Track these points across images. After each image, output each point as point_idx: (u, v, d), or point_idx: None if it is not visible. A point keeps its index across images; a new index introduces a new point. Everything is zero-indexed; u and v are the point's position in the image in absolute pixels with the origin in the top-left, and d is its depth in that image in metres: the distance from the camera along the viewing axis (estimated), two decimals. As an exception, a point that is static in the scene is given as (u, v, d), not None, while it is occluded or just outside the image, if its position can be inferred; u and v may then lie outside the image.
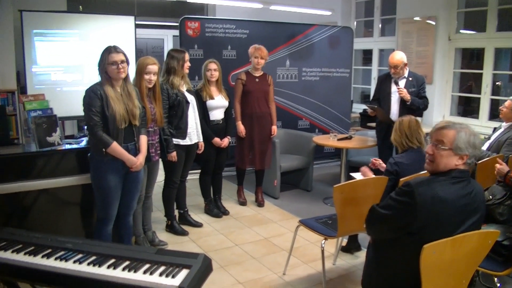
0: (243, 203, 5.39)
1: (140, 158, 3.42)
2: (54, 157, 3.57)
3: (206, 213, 5.05)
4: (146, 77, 3.71)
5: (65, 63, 5.40)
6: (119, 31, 5.72)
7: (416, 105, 4.71)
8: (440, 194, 2.11)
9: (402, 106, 4.76)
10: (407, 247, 2.15)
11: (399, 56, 4.74)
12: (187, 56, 4.26)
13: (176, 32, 6.19)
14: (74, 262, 2.14)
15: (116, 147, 3.23)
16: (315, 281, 3.60)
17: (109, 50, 3.22)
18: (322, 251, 3.24)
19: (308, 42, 6.73)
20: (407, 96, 4.65)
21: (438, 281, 2.17)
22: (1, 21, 5.51)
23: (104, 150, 3.22)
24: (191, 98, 4.31)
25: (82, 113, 3.29)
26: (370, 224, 2.39)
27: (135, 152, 3.41)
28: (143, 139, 3.49)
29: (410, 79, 4.80)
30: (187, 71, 4.28)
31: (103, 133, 3.20)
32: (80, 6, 7.32)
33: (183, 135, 4.24)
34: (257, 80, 5.07)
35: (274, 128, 5.25)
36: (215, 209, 5.04)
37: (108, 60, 3.19)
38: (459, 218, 2.15)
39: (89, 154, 3.39)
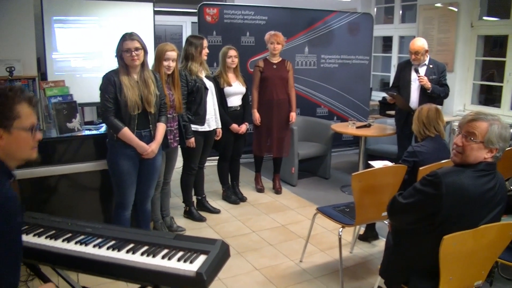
0: (260, 190, 5.40)
1: (153, 146, 3.40)
2: (74, 143, 3.61)
3: (224, 199, 5.08)
4: (165, 63, 3.72)
5: (85, 50, 5.42)
6: (138, 18, 5.72)
7: (436, 93, 4.63)
8: (467, 186, 2.08)
9: (422, 94, 4.69)
10: (428, 237, 2.14)
11: (420, 42, 4.66)
12: (205, 43, 4.25)
13: (195, 19, 6.18)
14: (94, 246, 2.17)
15: (126, 132, 3.25)
16: (332, 269, 3.61)
17: (124, 38, 3.24)
18: (339, 239, 3.23)
19: (328, 28, 6.66)
20: (428, 84, 4.58)
21: (457, 271, 2.16)
22: (21, 8, 5.55)
23: (115, 135, 3.26)
24: (209, 84, 4.32)
25: (100, 99, 3.33)
26: (392, 214, 2.37)
27: (149, 139, 3.41)
28: (161, 127, 3.48)
29: (431, 66, 4.72)
30: (205, 57, 4.28)
31: (115, 118, 3.23)
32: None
33: (202, 121, 4.25)
34: (274, 66, 5.04)
35: (293, 114, 5.21)
36: (232, 195, 5.06)
37: (122, 47, 3.21)
38: (483, 211, 2.13)
39: (107, 140, 3.43)
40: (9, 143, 1.60)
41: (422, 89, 4.67)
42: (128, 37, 3.24)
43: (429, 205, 2.11)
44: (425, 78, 4.61)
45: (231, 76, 4.70)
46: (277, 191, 5.36)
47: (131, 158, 3.35)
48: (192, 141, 4.14)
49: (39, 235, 2.25)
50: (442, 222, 2.09)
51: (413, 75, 4.74)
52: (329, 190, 5.52)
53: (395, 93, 4.81)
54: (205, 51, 4.25)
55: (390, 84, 5.79)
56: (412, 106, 4.72)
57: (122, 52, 3.22)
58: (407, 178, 3.20)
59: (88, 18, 5.60)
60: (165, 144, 3.69)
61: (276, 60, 5.07)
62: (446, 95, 4.76)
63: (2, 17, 5.29)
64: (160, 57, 3.72)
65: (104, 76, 3.27)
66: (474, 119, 2.15)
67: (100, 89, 3.26)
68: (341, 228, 3.25)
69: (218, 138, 4.56)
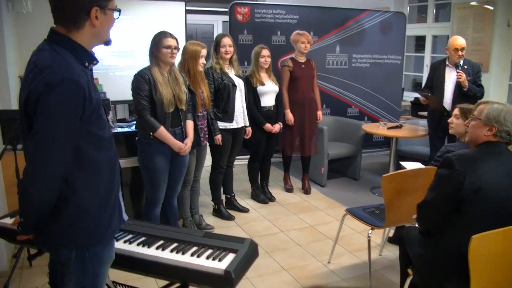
0: (289, 189, 5.39)
1: (188, 143, 3.50)
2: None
3: (253, 198, 5.08)
4: (200, 61, 3.78)
5: (118, 48, 5.50)
6: (170, 17, 5.77)
7: (473, 91, 4.53)
8: (476, 157, 2.22)
9: (456, 94, 4.59)
10: (457, 231, 2.13)
11: (463, 41, 4.59)
12: (225, 40, 4.23)
13: (226, 18, 6.20)
14: (125, 242, 2.20)
15: (163, 132, 3.31)
16: (360, 271, 3.57)
17: (165, 34, 3.32)
18: (369, 241, 3.20)
19: (359, 27, 6.59)
20: (466, 82, 4.49)
21: (487, 272, 2.12)
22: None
23: (151, 134, 3.29)
24: (238, 82, 4.33)
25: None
26: (421, 220, 2.42)
27: (182, 136, 3.49)
28: (190, 124, 3.57)
29: (465, 67, 4.62)
30: (227, 56, 4.25)
31: (151, 117, 3.27)
32: (133, -8, 7.44)
33: (230, 119, 4.27)
34: (303, 66, 5.04)
35: (320, 113, 5.24)
36: (261, 195, 5.06)
37: (163, 43, 3.26)
38: (505, 192, 2.17)
39: (136, 138, 3.47)
40: (102, 24, 1.64)
41: (457, 89, 4.58)
42: (169, 35, 3.32)
43: (450, 185, 2.18)
44: (464, 75, 4.51)
45: (263, 75, 4.70)
46: (306, 191, 5.34)
47: (165, 155, 3.42)
48: (219, 137, 4.16)
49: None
50: (466, 196, 2.14)
51: (447, 75, 4.65)
52: (358, 191, 5.46)
53: (429, 94, 4.72)
54: (225, 49, 4.23)
55: (423, 85, 5.69)
56: (446, 106, 4.63)
57: (161, 47, 3.27)
58: None
59: (121, 17, 5.68)
60: (196, 142, 3.73)
61: (303, 59, 5.06)
62: (481, 95, 4.63)
63: (37, 17, 5.41)
64: (196, 56, 3.74)
65: (137, 74, 3.31)
66: (479, 103, 2.39)
67: (134, 87, 3.29)
68: (371, 230, 3.21)
69: (248, 137, 4.57)
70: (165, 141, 3.35)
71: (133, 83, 3.31)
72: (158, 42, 3.28)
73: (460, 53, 4.58)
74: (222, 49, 4.22)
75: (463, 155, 2.22)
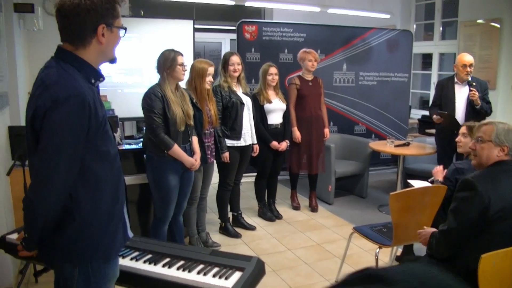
0: (296, 207, 5.37)
1: (198, 158, 3.55)
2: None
3: (260, 216, 5.06)
4: (207, 79, 3.80)
5: (126, 66, 5.56)
6: (179, 35, 5.83)
7: (484, 109, 4.54)
8: (497, 182, 2.19)
9: (468, 111, 4.58)
10: (477, 252, 2.10)
11: (472, 58, 4.60)
12: (234, 59, 4.27)
13: (234, 36, 6.25)
14: (131, 259, 2.20)
15: (177, 149, 3.34)
16: (369, 289, 3.52)
17: (177, 52, 3.37)
18: (376, 260, 3.17)
19: (366, 45, 6.62)
20: (479, 100, 4.49)
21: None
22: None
23: (165, 152, 3.31)
24: (246, 100, 4.35)
25: (141, 114, 3.39)
26: (444, 241, 2.31)
27: (191, 152, 3.53)
28: (195, 140, 3.63)
29: (474, 84, 4.61)
30: (235, 74, 4.29)
31: (165, 135, 3.29)
32: (142, 11, 7.54)
33: (238, 136, 4.29)
34: (310, 84, 5.07)
35: (327, 131, 5.25)
36: (268, 212, 5.04)
37: (178, 61, 3.32)
38: None
39: (145, 155, 3.48)
40: (108, 41, 1.67)
41: (468, 106, 4.57)
42: (179, 52, 3.38)
43: (475, 208, 2.15)
44: (477, 92, 4.51)
45: (271, 93, 4.72)
46: (313, 208, 5.31)
47: (177, 172, 3.46)
48: (226, 155, 4.16)
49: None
50: (492, 217, 2.13)
51: (457, 92, 4.65)
52: (366, 209, 5.43)
53: (445, 113, 4.65)
54: (234, 67, 4.27)
55: (430, 102, 5.68)
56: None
57: (176, 65, 3.32)
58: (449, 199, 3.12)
59: (130, 35, 5.74)
60: (203, 159, 3.75)
61: (310, 77, 5.09)
62: (491, 112, 4.66)
63: (49, 35, 5.49)
64: (203, 74, 3.78)
65: (149, 92, 3.32)
66: (481, 125, 2.41)
67: (146, 105, 3.30)
68: (378, 249, 3.18)
69: (255, 155, 4.57)
70: (179, 158, 3.39)
71: (145, 100, 3.32)
72: (174, 60, 3.33)
73: (468, 69, 4.58)
74: (231, 67, 4.25)
75: (480, 176, 2.23)
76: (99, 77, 1.73)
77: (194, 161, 3.50)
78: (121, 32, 1.72)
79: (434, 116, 4.80)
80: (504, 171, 2.26)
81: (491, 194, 2.13)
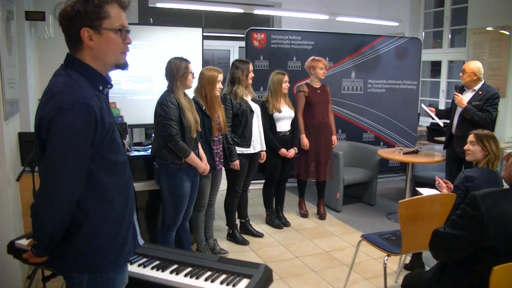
0: (304, 215, 5.36)
1: (206, 163, 3.64)
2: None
3: (267, 223, 5.06)
4: (218, 86, 3.83)
5: (136, 73, 5.59)
6: (187, 43, 5.87)
7: (469, 114, 4.46)
8: (507, 206, 2.02)
9: (461, 117, 4.60)
10: (479, 266, 2.06)
11: (473, 65, 4.58)
12: (251, 67, 4.32)
13: (242, 44, 6.28)
14: (139, 265, 2.20)
15: (193, 156, 3.41)
16: (377, 298, 3.51)
17: (188, 60, 3.42)
18: (385, 268, 3.14)
19: (375, 53, 6.62)
20: (460, 103, 4.51)
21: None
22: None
23: (183, 159, 3.36)
24: (255, 107, 4.36)
25: (150, 121, 3.41)
26: (434, 247, 2.30)
27: (198, 158, 3.57)
28: (200, 147, 3.68)
29: (480, 92, 4.56)
30: (250, 81, 4.34)
31: (183, 142, 3.33)
32: (151, 19, 7.59)
33: (248, 144, 4.29)
34: (318, 91, 5.08)
35: (335, 138, 5.26)
36: (276, 220, 5.03)
37: (189, 69, 3.36)
38: None
39: (155, 163, 3.49)
40: (99, 44, 1.61)
41: (462, 113, 4.58)
42: (188, 60, 3.43)
43: (472, 229, 2.04)
44: (460, 96, 4.54)
45: (280, 100, 4.73)
46: (321, 216, 5.30)
47: (191, 179, 3.52)
48: (236, 163, 4.17)
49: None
50: (491, 248, 2.00)
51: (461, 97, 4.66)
52: (374, 217, 5.40)
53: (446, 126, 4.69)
54: (251, 75, 4.31)
55: (439, 106, 5.69)
56: (453, 128, 4.70)
57: (188, 73, 3.38)
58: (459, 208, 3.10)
59: (139, 43, 5.79)
60: (211, 166, 3.76)
61: (318, 84, 5.10)
62: (482, 120, 4.44)
63: (60, 43, 5.54)
64: (213, 81, 3.79)
65: (164, 99, 3.34)
66: None
67: (163, 113, 3.31)
68: (387, 257, 3.16)
69: (262, 161, 4.57)
70: (195, 164, 3.45)
71: (161, 108, 3.33)
72: (186, 68, 3.38)
73: (461, 73, 4.68)
74: (250, 75, 4.29)
75: (494, 206, 2.03)
76: (107, 84, 1.70)
77: (206, 166, 3.59)
78: (117, 34, 1.64)
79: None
80: None
81: (494, 216, 2.00)
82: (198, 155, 3.57)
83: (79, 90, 1.57)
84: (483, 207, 2.01)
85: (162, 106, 3.32)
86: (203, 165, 3.55)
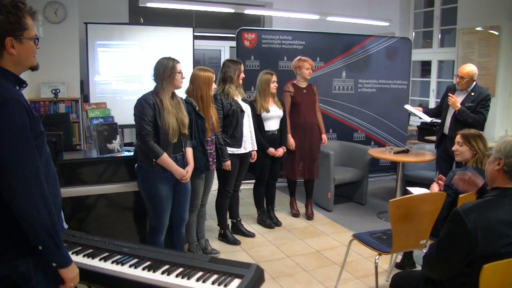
0: (295, 214, 5.36)
1: (190, 170, 3.47)
2: (113, 163, 3.67)
3: (259, 223, 5.06)
4: (213, 86, 3.83)
5: (126, 73, 5.59)
6: (178, 42, 5.86)
7: (463, 116, 4.52)
8: (492, 216, 2.02)
9: (454, 118, 4.64)
10: (468, 266, 2.06)
11: (469, 68, 4.61)
12: (242, 67, 4.32)
13: (233, 43, 6.28)
14: (130, 266, 2.19)
15: (165, 158, 3.26)
16: (368, 297, 3.52)
17: (176, 60, 3.34)
18: (376, 267, 3.16)
19: (365, 53, 6.65)
20: (455, 105, 4.55)
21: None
22: (68, 33, 5.79)
23: (154, 160, 3.27)
24: (246, 107, 4.36)
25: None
26: (434, 273, 2.25)
27: (183, 163, 3.46)
28: (189, 151, 3.54)
29: (472, 94, 4.61)
30: (241, 81, 4.34)
31: (154, 143, 3.24)
32: (141, 19, 7.57)
33: (239, 144, 4.29)
34: (304, 91, 5.08)
35: (325, 136, 5.26)
36: (267, 219, 5.03)
37: (176, 68, 3.29)
38: None
39: (136, 164, 3.45)
40: (20, 52, 1.76)
41: (455, 114, 4.61)
42: (177, 60, 3.35)
43: (462, 244, 2.02)
44: (454, 97, 4.57)
45: (270, 101, 4.74)
46: (309, 216, 5.29)
47: (168, 182, 3.37)
48: (228, 163, 4.16)
49: (77, 253, 2.29)
50: (480, 257, 2.00)
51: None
52: (365, 216, 5.43)
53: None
54: (242, 75, 4.32)
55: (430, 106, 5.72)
56: (446, 128, 4.74)
57: (176, 73, 3.30)
58: (449, 206, 3.11)
59: (130, 43, 5.79)
60: (205, 167, 3.74)
61: (304, 84, 5.11)
62: (476, 121, 4.51)
63: (49, 42, 5.53)
64: (209, 82, 3.78)
65: (141, 99, 3.28)
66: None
67: (138, 112, 3.26)
68: (378, 256, 3.18)
69: (253, 161, 4.57)
70: (168, 168, 3.30)
71: (137, 107, 3.28)
72: (173, 68, 3.29)
73: (457, 79, 4.69)
74: (241, 75, 4.29)
75: (478, 218, 2.01)
76: (22, 83, 1.83)
77: (185, 173, 3.40)
78: (31, 41, 1.80)
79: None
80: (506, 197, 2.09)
81: (481, 228, 1.97)
82: (181, 159, 3.44)
83: (5, 88, 1.70)
84: (468, 222, 1.98)
85: (138, 105, 3.27)
86: (180, 170, 3.36)
